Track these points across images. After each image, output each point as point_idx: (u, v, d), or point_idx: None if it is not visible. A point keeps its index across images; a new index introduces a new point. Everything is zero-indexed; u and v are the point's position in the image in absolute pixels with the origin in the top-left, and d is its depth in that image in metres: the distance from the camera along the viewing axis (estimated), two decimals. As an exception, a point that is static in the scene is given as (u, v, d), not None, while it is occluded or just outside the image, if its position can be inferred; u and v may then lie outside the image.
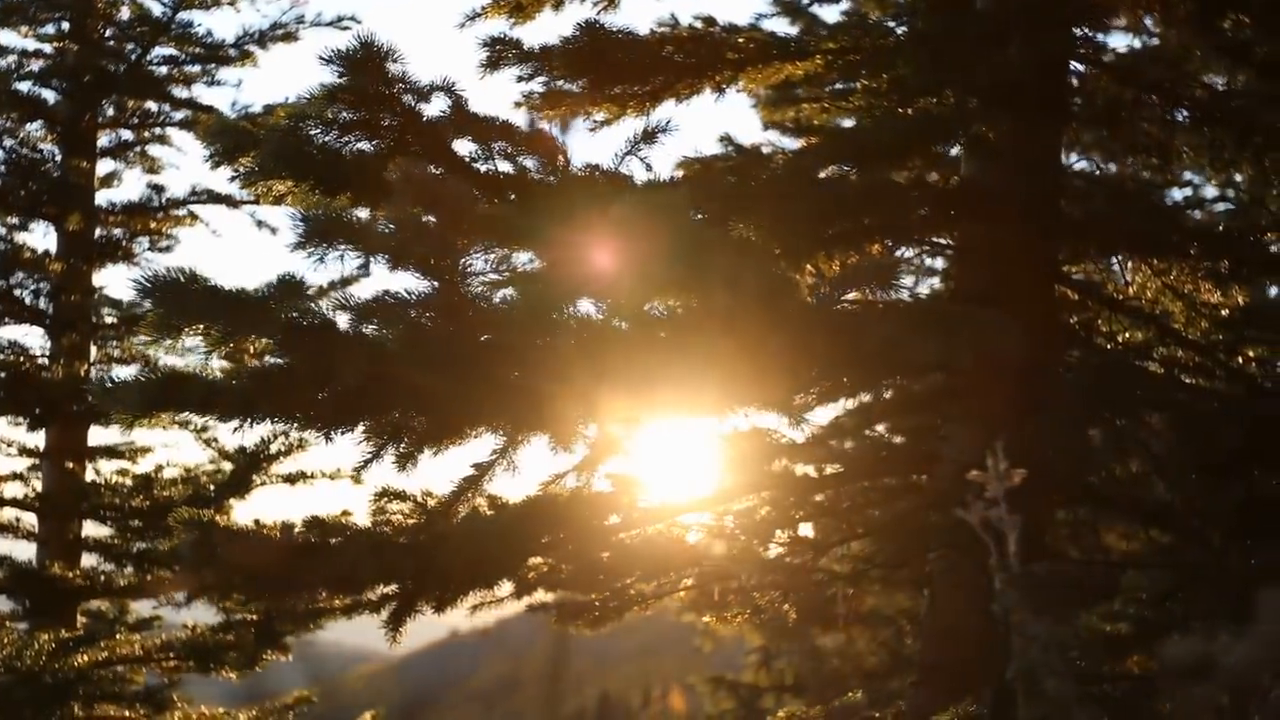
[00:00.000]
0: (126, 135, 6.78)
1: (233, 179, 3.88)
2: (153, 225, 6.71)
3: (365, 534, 3.79)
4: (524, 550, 4.17)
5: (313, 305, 2.68)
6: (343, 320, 2.77)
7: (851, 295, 3.13)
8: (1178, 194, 6.59)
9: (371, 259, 2.65)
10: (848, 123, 5.69)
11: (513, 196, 3.91)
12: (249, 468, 5.25)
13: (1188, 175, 6.29)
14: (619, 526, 4.35)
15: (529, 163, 3.91)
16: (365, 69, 3.60)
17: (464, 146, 3.98)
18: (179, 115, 6.76)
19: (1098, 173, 4.41)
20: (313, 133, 3.78)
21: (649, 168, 3.91)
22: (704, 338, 3.00)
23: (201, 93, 6.67)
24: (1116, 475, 4.52)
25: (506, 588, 4.31)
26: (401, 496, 3.98)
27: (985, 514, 1.79)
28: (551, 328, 2.96)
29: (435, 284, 2.76)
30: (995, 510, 1.79)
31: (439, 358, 2.83)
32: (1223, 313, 4.55)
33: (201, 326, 2.65)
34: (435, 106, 3.86)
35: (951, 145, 4.18)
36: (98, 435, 6.52)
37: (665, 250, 2.76)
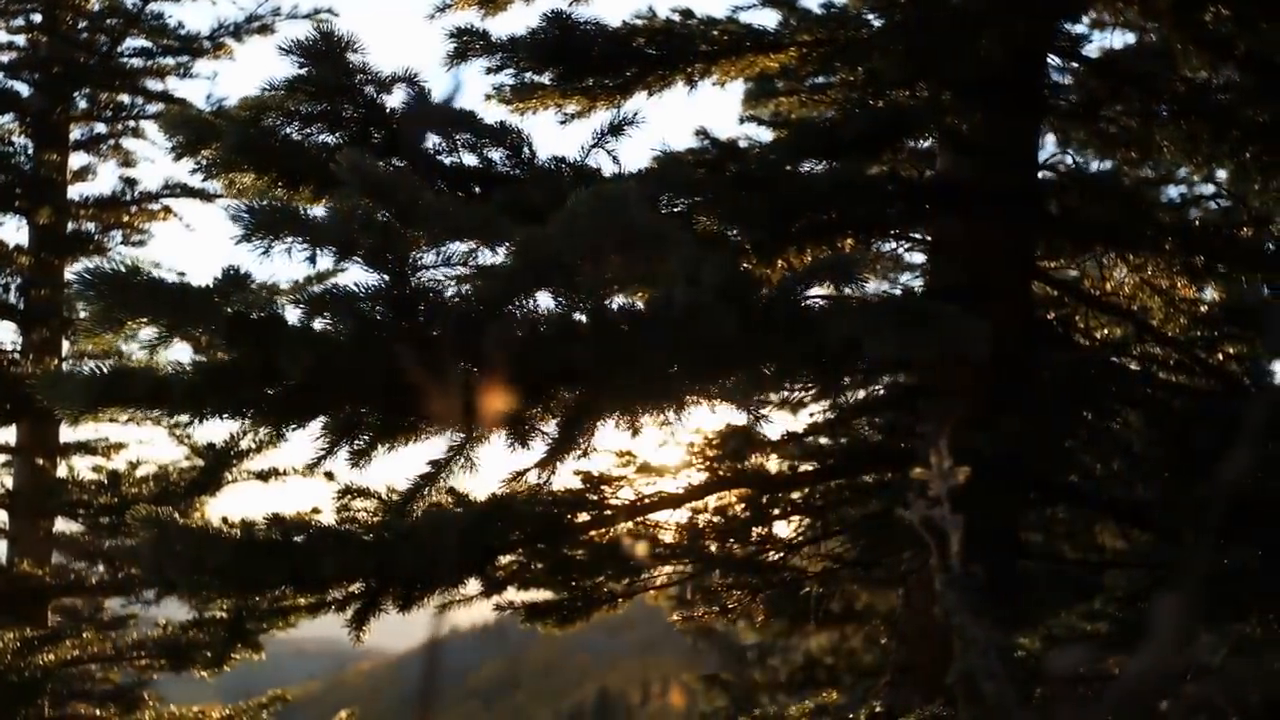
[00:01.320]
0: (100, 128, 6.71)
1: (194, 171, 3.84)
2: (125, 219, 6.64)
3: (327, 532, 3.74)
4: (490, 548, 4.13)
5: (258, 298, 2.63)
6: (292, 314, 2.71)
7: (814, 291, 3.07)
8: (1173, 191, 6.56)
9: (318, 251, 2.59)
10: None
11: (477, 189, 3.87)
12: (218, 464, 5.19)
13: (1184, 173, 6.27)
14: (589, 524, 4.32)
15: (494, 155, 3.87)
16: (325, 60, 3.55)
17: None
18: (153, 108, 6.69)
19: (1074, 167, 4.34)
20: (274, 125, 3.73)
21: (616, 161, 3.86)
22: (664, 332, 2.95)
23: (176, 85, 6.62)
24: (1095, 473, 4.46)
25: (474, 586, 4.28)
26: (365, 493, 3.93)
27: (927, 513, 1.73)
28: (508, 323, 2.91)
29: (385, 277, 2.70)
30: (938, 509, 1.73)
31: (390, 353, 2.78)
32: (1201, 309, 4.51)
33: (144, 320, 2.59)
34: (398, 98, 3.82)
35: (924, 139, 4.12)
36: (71, 431, 6.46)
37: (620, 243, 2.71)
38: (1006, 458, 4.31)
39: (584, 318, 2.96)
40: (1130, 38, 6.07)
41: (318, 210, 2.64)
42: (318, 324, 2.81)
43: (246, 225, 2.61)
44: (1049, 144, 5.94)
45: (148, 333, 2.77)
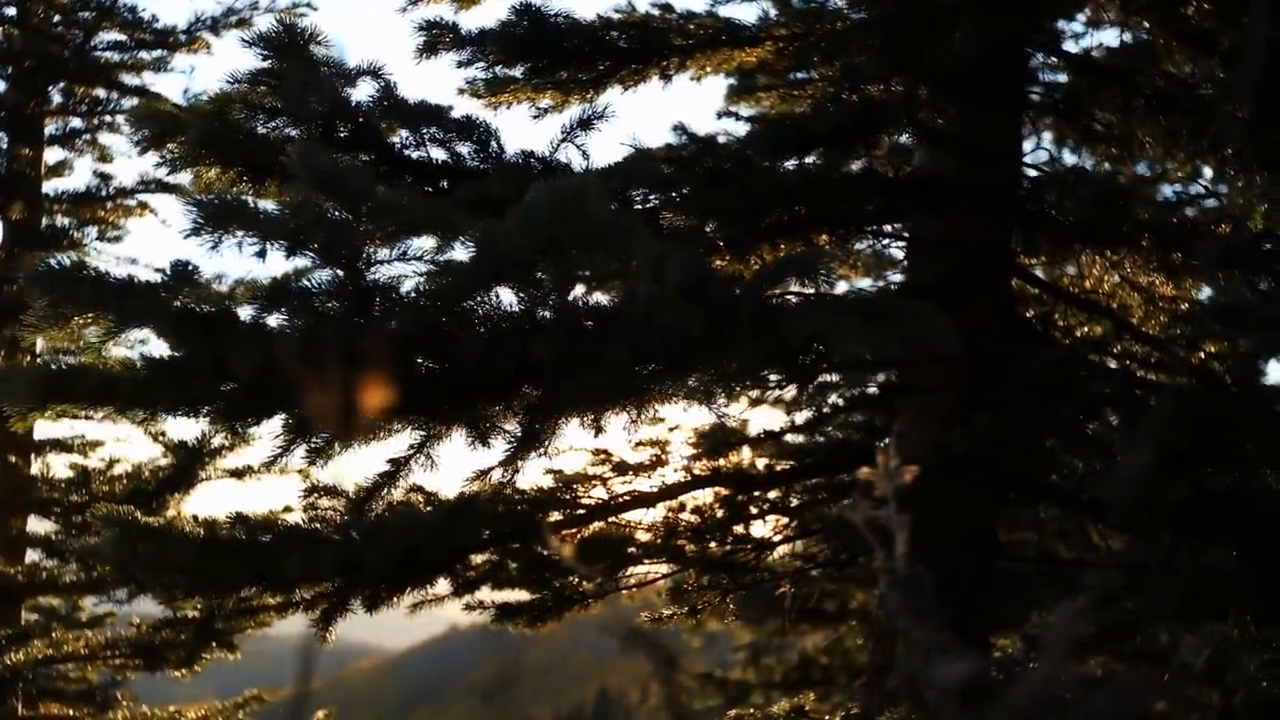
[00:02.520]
0: (75, 123, 6.67)
1: (158, 165, 3.79)
2: (101, 215, 6.58)
3: (293, 531, 3.69)
4: (461, 547, 4.08)
5: (208, 293, 2.58)
6: (244, 310, 2.66)
7: (785, 288, 3.02)
8: (1168, 190, 6.48)
9: (268, 246, 2.54)
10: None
11: (444, 184, 3.82)
12: (190, 462, 5.14)
13: (1177, 171, 6.20)
14: (561, 523, 4.27)
15: (462, 149, 3.82)
16: (289, 52, 3.50)
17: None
18: (129, 103, 6.63)
19: (1051, 163, 4.30)
20: (239, 118, 3.68)
21: (586, 155, 3.81)
22: (627, 329, 2.90)
23: (153, 80, 6.54)
24: (1074, 472, 4.42)
25: (445, 586, 4.23)
26: (333, 492, 3.89)
27: (872, 513, 1.68)
28: (466, 318, 2.87)
29: (339, 272, 2.65)
30: (883, 509, 1.68)
31: (345, 349, 2.73)
32: (1182, 306, 4.46)
33: (91, 316, 2.54)
34: (365, 91, 3.77)
35: (898, 133, 4.07)
36: (47, 428, 6.41)
37: (579, 238, 2.66)
38: (983, 456, 4.27)
39: (546, 314, 2.92)
40: (1116, 35, 6.02)
41: (269, 204, 2.58)
42: (274, 320, 2.77)
43: (195, 219, 2.56)
44: (1034, 141, 5.89)
45: (96, 329, 2.72)
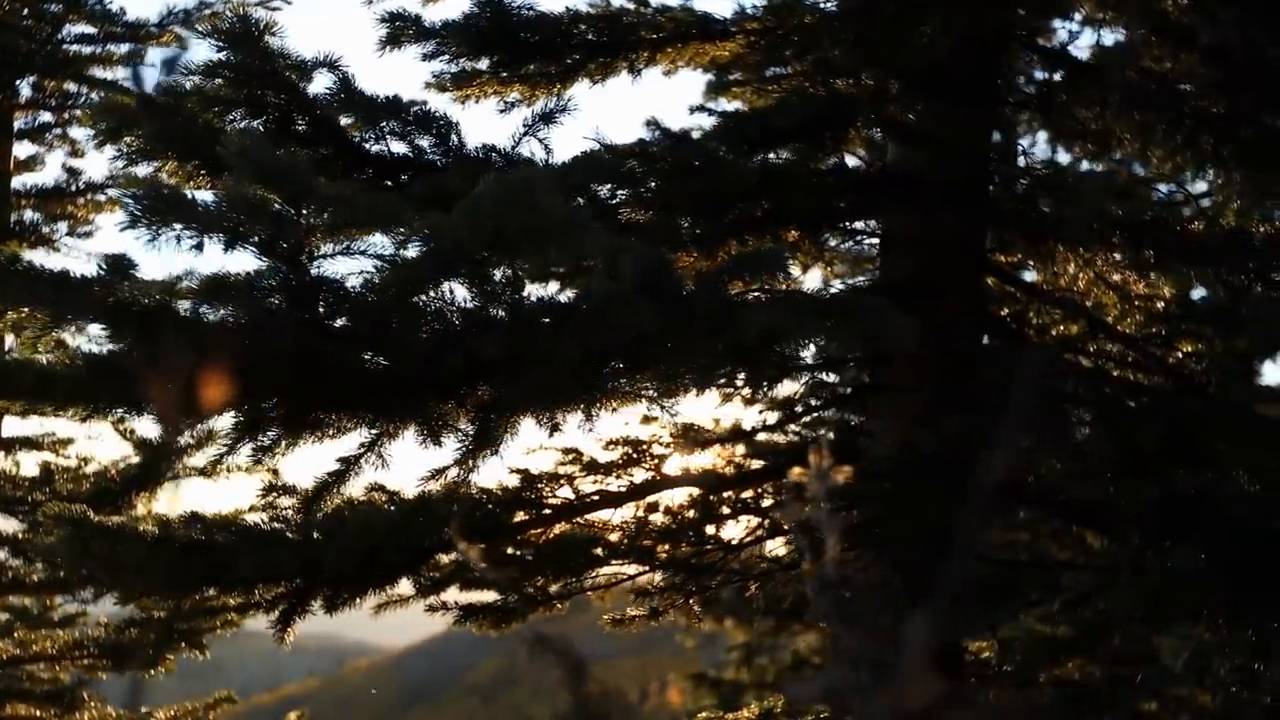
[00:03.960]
0: (45, 117, 6.60)
1: (115, 159, 3.73)
2: (71, 210, 6.52)
3: (250, 531, 3.64)
4: (422, 547, 4.02)
5: (146, 287, 2.52)
6: (183, 304, 2.60)
7: (738, 285, 2.97)
8: (1163, 189, 6.39)
9: (206, 239, 2.48)
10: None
11: (404, 178, 3.76)
12: (155, 460, 5.07)
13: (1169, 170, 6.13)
14: (527, 523, 4.21)
15: (423, 143, 3.76)
16: (243, 44, 3.45)
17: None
18: (101, 97, 6.56)
19: (1023, 159, 4.24)
20: (195, 111, 3.63)
21: (548, 149, 3.75)
22: (580, 325, 2.85)
23: (129, 74, 6.48)
24: (1048, 474, 4.36)
25: (408, 586, 4.17)
26: (290, 491, 3.82)
27: (802, 514, 1.63)
28: (415, 315, 2.81)
29: (280, 266, 2.59)
30: (814, 510, 1.63)
31: (288, 345, 2.67)
32: (1158, 305, 4.41)
33: (23, 310, 2.49)
34: (323, 84, 3.72)
35: (864, 129, 4.02)
36: (16, 426, 6.34)
37: (527, 232, 2.60)
38: (955, 457, 4.22)
39: (498, 311, 2.86)
40: (1093, 30, 5.96)
41: (208, 196, 2.52)
42: (216, 316, 2.71)
43: (132, 211, 2.51)
44: (1007, 137, 5.82)
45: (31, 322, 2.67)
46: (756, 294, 3.61)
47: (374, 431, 3.01)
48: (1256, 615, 3.25)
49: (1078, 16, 4.99)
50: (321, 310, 2.71)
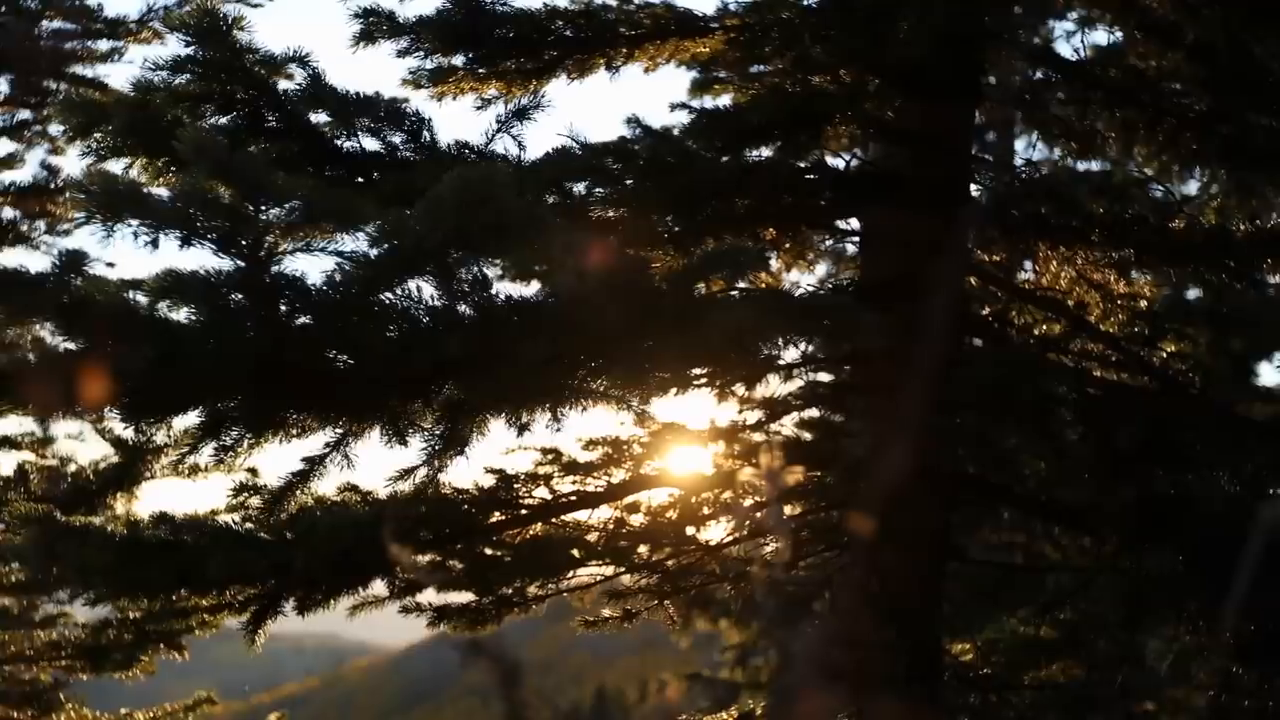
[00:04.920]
0: (24, 114, 6.55)
1: (83, 155, 3.69)
2: (50, 207, 6.48)
3: (221, 532, 3.60)
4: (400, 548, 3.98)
5: (101, 284, 2.48)
6: (140, 299, 2.57)
7: (707, 284, 2.93)
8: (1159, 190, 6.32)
9: (161, 234, 2.44)
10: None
11: (377, 175, 3.72)
12: (131, 460, 5.02)
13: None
14: (503, 524, 4.17)
15: (395, 139, 3.72)
16: (210, 38, 3.41)
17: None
18: (83, 94, 6.50)
19: (1003, 156, 4.20)
20: (164, 106, 3.58)
21: (522, 146, 3.72)
22: (547, 323, 2.81)
23: (109, 71, 6.42)
24: (1030, 474, 4.33)
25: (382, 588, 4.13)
26: (259, 491, 3.79)
27: (752, 514, 1.59)
28: (378, 312, 2.77)
29: (239, 263, 2.55)
30: (765, 511, 1.59)
31: (249, 343, 2.63)
32: (1141, 304, 4.37)
33: (-25, 307, 2.45)
34: (296, 79, 3.67)
35: (844, 126, 3.97)
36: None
37: (487, 228, 2.57)
38: (940, 458, 4.18)
39: (463, 308, 2.82)
40: (1089, 29, 5.94)
41: (164, 191, 2.49)
42: (179, 314, 2.67)
43: (87, 207, 2.47)
44: (989, 134, 5.78)
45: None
46: (731, 293, 3.58)
47: (339, 431, 2.97)
48: (1234, 618, 3.21)
49: (1068, 15, 4.96)
50: (283, 309, 2.68)
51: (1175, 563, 3.27)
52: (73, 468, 6.15)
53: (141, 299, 2.55)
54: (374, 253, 2.67)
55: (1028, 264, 4.24)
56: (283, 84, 3.56)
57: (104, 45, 6.27)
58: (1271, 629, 3.14)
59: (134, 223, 2.47)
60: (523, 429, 3.01)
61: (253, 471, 5.63)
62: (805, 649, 1.61)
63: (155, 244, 2.43)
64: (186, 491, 5.18)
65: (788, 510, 4.52)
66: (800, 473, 1.82)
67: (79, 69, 6.31)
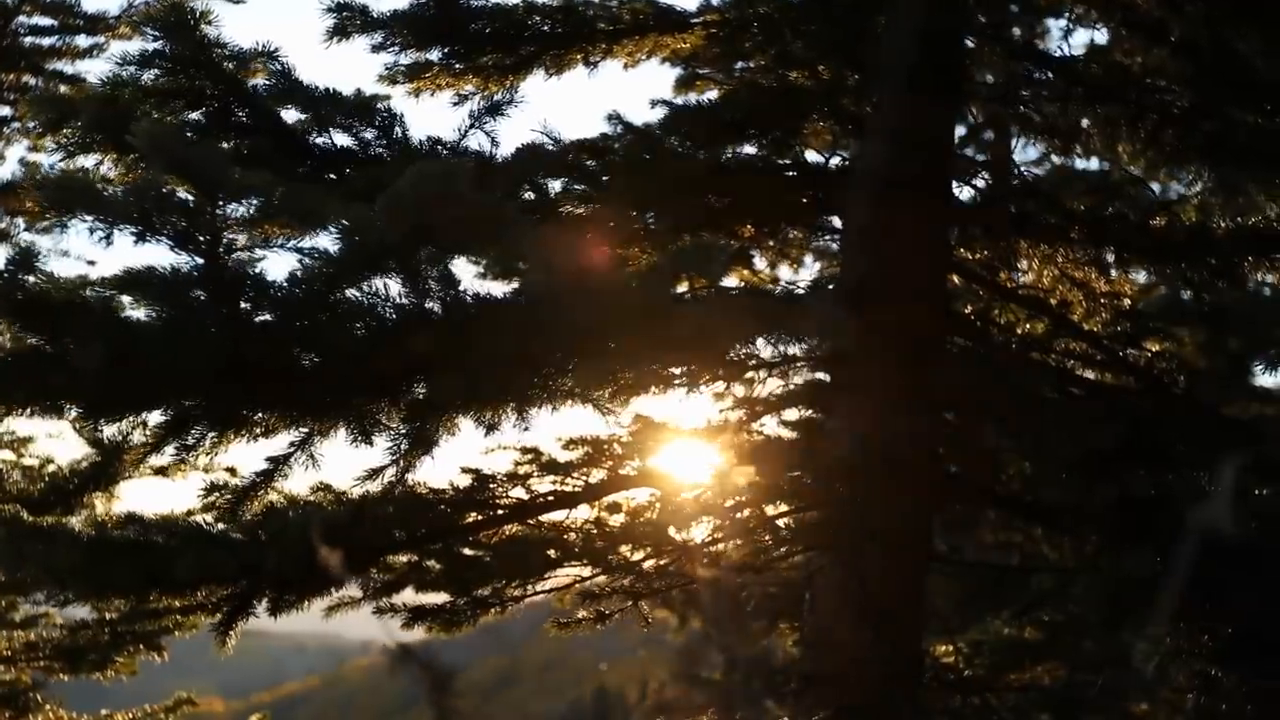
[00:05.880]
0: (3, 111, 6.52)
1: (53, 151, 3.66)
2: (29, 204, 6.42)
3: (192, 532, 3.56)
4: (376, 549, 3.94)
5: (58, 280, 2.44)
6: (99, 298, 2.53)
7: (674, 282, 2.89)
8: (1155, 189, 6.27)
9: (115, 230, 2.40)
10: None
11: (348, 170, 3.68)
12: (108, 460, 4.97)
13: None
14: (479, 524, 4.13)
15: (367, 135, 3.68)
16: (178, 33, 3.37)
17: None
18: (64, 91, 6.46)
19: (985, 152, 4.16)
20: (132, 101, 3.55)
21: (495, 142, 3.68)
22: (512, 321, 2.77)
23: (89, 67, 6.38)
24: (1012, 474, 4.29)
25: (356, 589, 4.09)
26: (229, 490, 3.74)
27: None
28: (341, 310, 2.73)
29: (197, 259, 2.51)
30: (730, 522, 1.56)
31: (209, 340, 2.59)
32: (1124, 303, 4.33)
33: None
34: (265, 75, 3.63)
35: (822, 122, 3.94)
36: (-23, 424, 6.25)
37: (450, 225, 2.53)
38: (921, 458, 4.14)
39: (428, 306, 2.78)
40: (1079, 27, 5.89)
41: (118, 186, 2.45)
42: (140, 313, 2.63)
43: (40, 201, 2.43)
44: (970, 131, 5.75)
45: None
46: (710, 291, 3.54)
47: (304, 430, 2.93)
48: (1213, 619, 3.17)
49: (1061, 14, 4.92)
50: (244, 306, 2.63)
51: (1154, 564, 3.23)
52: (51, 468, 6.11)
53: (99, 295, 2.51)
54: (335, 249, 2.63)
55: (1011, 262, 4.20)
56: (255, 80, 3.52)
57: (84, 41, 6.24)
58: (1250, 631, 3.11)
59: (88, 218, 2.43)
60: (491, 428, 2.97)
61: (231, 471, 5.61)
62: (751, 652, 1.58)
63: (109, 239, 2.39)
64: (168, 491, 5.12)
65: (768, 511, 4.48)
66: (757, 473, 1.78)
67: (59, 65, 6.28)
